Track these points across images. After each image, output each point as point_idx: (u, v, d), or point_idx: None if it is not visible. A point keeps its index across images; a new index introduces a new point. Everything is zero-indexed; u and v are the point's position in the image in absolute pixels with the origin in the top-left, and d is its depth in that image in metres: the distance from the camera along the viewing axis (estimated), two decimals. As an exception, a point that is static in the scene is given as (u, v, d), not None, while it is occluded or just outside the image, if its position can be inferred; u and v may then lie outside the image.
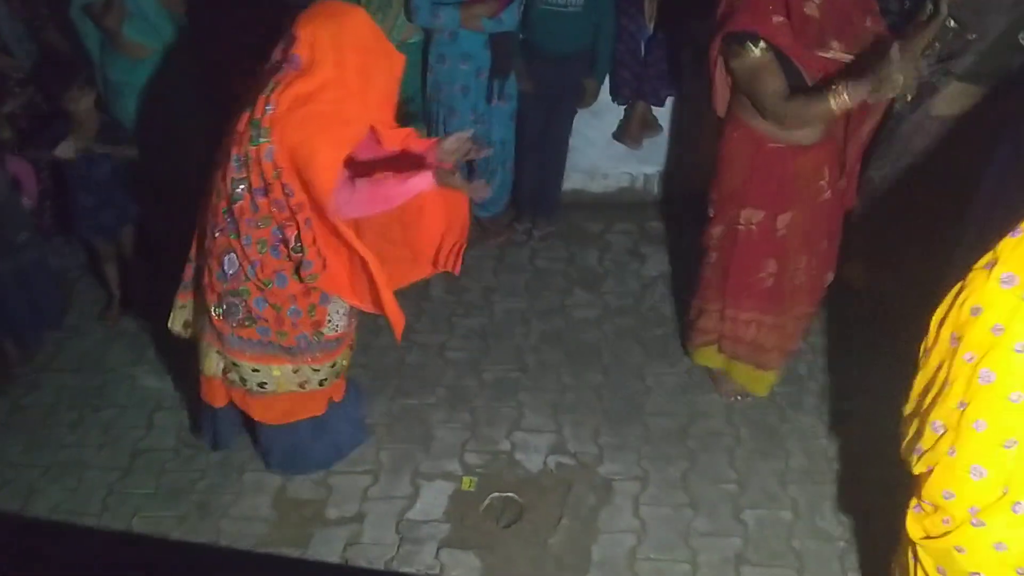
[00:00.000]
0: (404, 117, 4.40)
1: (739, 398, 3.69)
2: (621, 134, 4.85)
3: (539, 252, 4.67)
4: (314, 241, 2.81)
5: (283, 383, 3.10)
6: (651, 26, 4.46)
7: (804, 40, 2.93)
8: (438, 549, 3.16)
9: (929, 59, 3.37)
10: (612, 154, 4.93)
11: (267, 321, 2.97)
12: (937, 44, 3.34)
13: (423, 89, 4.37)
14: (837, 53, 2.96)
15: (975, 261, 2.08)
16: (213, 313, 2.98)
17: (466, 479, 3.41)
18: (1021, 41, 3.22)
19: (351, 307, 3.11)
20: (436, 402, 3.75)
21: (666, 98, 4.66)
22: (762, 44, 2.91)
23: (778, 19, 2.91)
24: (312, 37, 2.65)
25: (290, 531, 3.24)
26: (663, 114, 4.77)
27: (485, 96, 4.28)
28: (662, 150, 4.89)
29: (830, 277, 3.50)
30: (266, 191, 2.74)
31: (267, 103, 2.65)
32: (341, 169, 2.68)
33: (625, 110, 4.78)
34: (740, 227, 3.29)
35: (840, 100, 2.82)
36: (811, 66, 2.97)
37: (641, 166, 4.97)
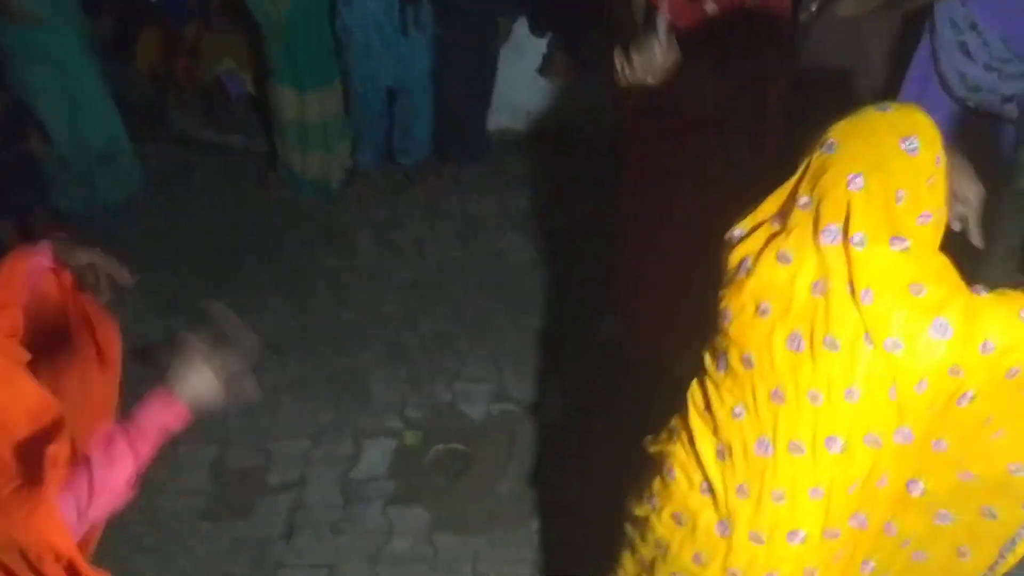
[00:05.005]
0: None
1: None
2: (545, 69, 4.74)
3: (469, 197, 4.57)
4: None
5: None
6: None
7: None
8: (385, 507, 3.11)
9: None
10: (537, 90, 4.82)
11: None
12: None
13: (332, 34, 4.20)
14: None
15: None
16: None
17: (409, 433, 3.35)
18: None
19: None
20: (374, 359, 3.67)
21: (588, 29, 4.54)
22: None
23: None
24: None
25: (232, 501, 3.16)
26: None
27: (400, 29, 4.11)
28: (589, 85, 4.79)
29: None
30: None
31: None
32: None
33: (547, 44, 4.67)
34: None
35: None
36: (680, 15, 2.71)
37: (567, 101, 4.85)
